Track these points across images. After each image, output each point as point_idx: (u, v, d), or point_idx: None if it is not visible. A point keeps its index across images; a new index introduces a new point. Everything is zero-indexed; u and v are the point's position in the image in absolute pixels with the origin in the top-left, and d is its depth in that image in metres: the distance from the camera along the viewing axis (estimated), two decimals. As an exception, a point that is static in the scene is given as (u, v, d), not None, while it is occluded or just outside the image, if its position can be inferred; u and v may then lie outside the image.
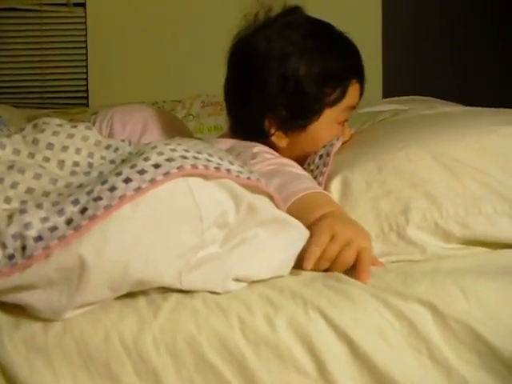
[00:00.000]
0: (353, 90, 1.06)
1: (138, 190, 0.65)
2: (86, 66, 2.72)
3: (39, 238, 0.63)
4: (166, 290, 0.71)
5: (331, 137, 1.03)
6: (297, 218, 0.79)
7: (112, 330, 0.67)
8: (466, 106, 1.78)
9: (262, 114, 1.04)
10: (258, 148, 1.00)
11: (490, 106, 1.18)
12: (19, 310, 0.68)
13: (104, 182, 0.66)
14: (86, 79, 2.73)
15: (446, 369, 0.71)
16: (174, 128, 1.19)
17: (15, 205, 0.68)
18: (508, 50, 2.51)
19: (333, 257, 0.77)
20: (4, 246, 0.64)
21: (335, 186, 0.90)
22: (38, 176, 0.71)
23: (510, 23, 2.50)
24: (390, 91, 2.68)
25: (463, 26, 2.68)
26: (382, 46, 2.79)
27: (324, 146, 1.02)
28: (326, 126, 1.05)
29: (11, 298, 0.66)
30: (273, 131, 1.05)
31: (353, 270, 0.77)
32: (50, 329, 0.67)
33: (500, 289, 0.75)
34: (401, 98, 2.14)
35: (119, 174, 0.66)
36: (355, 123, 1.30)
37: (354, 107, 1.09)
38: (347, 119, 1.08)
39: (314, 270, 0.76)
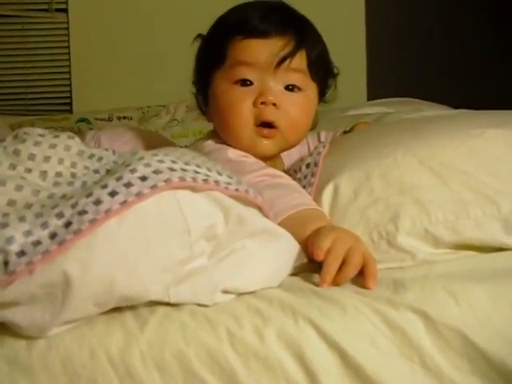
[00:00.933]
0: (238, 46, 0.98)
1: (124, 203, 0.63)
2: (69, 72, 2.70)
3: (22, 253, 0.61)
4: (152, 303, 0.69)
5: (232, 99, 0.98)
6: (290, 232, 0.78)
7: (98, 346, 0.65)
8: (452, 106, 1.79)
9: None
10: (232, 153, 0.97)
11: (476, 107, 1.18)
12: (1, 327, 0.66)
13: (89, 195, 0.64)
14: (70, 85, 2.71)
15: (438, 376, 0.70)
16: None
17: (-3, 218, 0.66)
18: (495, 49, 2.53)
19: (340, 257, 0.75)
20: (-15, 262, 0.62)
21: (326, 196, 0.89)
22: (19, 188, 0.69)
23: (498, 22, 2.51)
24: (374, 93, 2.69)
25: (450, 25, 2.70)
26: (366, 47, 2.80)
27: (311, 154, 1.01)
28: (223, 90, 0.99)
29: (-6, 315, 0.64)
30: (203, 111, 1.07)
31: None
32: (33, 346, 0.65)
33: (490, 293, 0.74)
34: (386, 99, 2.15)
35: (105, 186, 0.65)
36: (340, 126, 1.30)
37: (251, 63, 0.97)
38: (246, 77, 0.98)
39: (325, 274, 0.75)
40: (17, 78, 2.69)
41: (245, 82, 0.98)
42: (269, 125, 0.97)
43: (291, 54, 0.97)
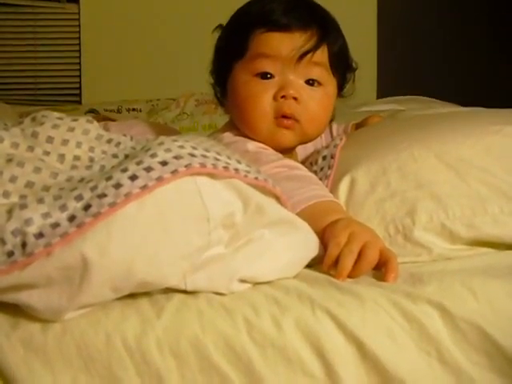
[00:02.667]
0: (260, 39, 0.98)
1: (145, 187, 0.62)
2: (79, 63, 2.71)
3: (40, 235, 0.61)
4: (168, 289, 0.69)
5: (252, 91, 0.97)
6: (307, 223, 0.78)
7: (114, 331, 0.64)
8: (462, 105, 1.78)
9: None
10: (251, 145, 0.97)
11: (486, 106, 1.17)
12: (17, 310, 0.65)
13: (109, 178, 0.64)
14: (79, 76, 2.71)
15: (455, 371, 0.69)
16: None
17: (14, 199, 0.65)
18: (506, 49, 2.51)
19: (355, 251, 0.75)
20: (3, 243, 0.61)
21: (343, 189, 0.89)
22: (37, 170, 0.68)
23: (508, 22, 2.49)
24: (384, 91, 2.68)
25: (459, 24, 2.68)
26: (377, 44, 2.79)
27: (327, 147, 1.00)
28: (243, 82, 0.99)
29: (9, 297, 0.63)
30: (221, 102, 1.06)
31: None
32: (49, 329, 0.64)
33: (509, 289, 0.74)
34: (397, 97, 2.15)
35: (125, 170, 0.64)
36: (352, 121, 1.29)
37: (272, 56, 0.97)
38: (267, 70, 0.97)
39: (341, 269, 0.74)
40: (27, 68, 2.70)
41: (265, 75, 0.97)
42: (288, 117, 0.97)
43: (313, 49, 0.97)
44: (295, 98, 0.96)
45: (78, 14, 2.68)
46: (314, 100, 0.98)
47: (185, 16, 2.71)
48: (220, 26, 1.06)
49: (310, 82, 0.99)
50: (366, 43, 2.74)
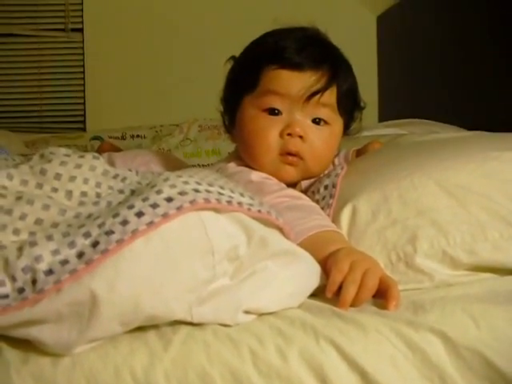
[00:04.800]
0: (271, 75, 1.00)
1: (151, 224, 0.64)
2: (83, 91, 2.74)
3: (50, 272, 0.62)
4: (175, 322, 0.70)
5: (258, 126, 0.99)
6: (309, 253, 0.79)
7: (122, 365, 0.66)
8: (463, 128, 1.80)
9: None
10: (254, 175, 0.99)
11: (486, 129, 1.18)
12: (27, 344, 0.66)
13: (116, 215, 0.65)
14: (84, 104, 2.74)
15: (458, 399, 0.70)
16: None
17: (24, 236, 0.67)
18: (507, 72, 2.53)
19: (358, 280, 0.76)
20: (14, 280, 0.63)
21: (345, 217, 0.90)
22: (46, 207, 0.70)
23: (507, 45, 2.52)
24: (385, 114, 2.70)
25: (459, 48, 2.71)
26: (378, 68, 2.81)
27: (329, 176, 1.02)
28: (252, 116, 1.01)
29: (20, 332, 0.65)
30: (228, 130, 1.08)
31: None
32: (58, 363, 0.65)
33: (510, 315, 0.74)
34: (398, 121, 2.16)
35: (131, 207, 0.66)
36: (353, 147, 1.30)
37: (282, 93, 0.99)
38: (275, 107, 1.00)
39: (345, 297, 0.75)
40: (32, 96, 2.73)
41: (273, 111, 1.00)
42: (293, 154, 0.99)
43: (322, 90, 0.99)
44: (301, 137, 0.99)
45: (82, 42, 2.72)
46: (320, 139, 1.01)
47: (188, 44, 2.75)
48: (233, 57, 1.08)
49: (317, 121, 1.01)
50: (367, 67, 2.77)
